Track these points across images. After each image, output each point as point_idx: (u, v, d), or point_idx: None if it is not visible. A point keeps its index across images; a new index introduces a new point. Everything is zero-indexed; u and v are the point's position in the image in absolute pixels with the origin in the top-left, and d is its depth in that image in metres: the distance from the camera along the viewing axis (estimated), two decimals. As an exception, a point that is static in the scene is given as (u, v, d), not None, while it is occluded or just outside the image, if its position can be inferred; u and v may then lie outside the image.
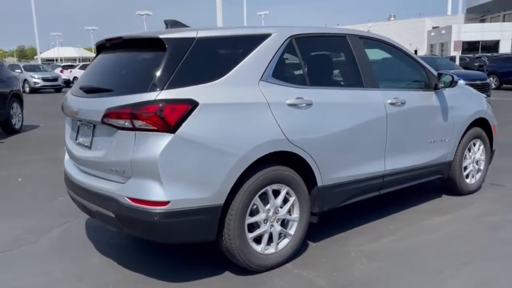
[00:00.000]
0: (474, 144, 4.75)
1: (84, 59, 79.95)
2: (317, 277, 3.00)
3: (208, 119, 2.73)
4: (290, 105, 3.08)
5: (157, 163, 2.59)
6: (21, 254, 3.46)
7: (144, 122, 2.61)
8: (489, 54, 28.86)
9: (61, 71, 29.76)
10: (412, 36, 57.28)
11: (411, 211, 4.31)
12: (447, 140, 4.35)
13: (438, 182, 4.82)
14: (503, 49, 42.35)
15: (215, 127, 2.75)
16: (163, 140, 2.61)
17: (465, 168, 4.68)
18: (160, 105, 2.61)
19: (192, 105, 2.67)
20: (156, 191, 2.63)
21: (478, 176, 4.86)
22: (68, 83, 27.89)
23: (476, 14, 52.67)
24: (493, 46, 44.16)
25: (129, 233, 2.92)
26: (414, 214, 4.22)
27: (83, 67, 28.98)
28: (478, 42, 44.06)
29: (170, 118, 2.61)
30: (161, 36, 2.79)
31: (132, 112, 2.63)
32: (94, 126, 3.02)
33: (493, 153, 5.07)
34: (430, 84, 4.24)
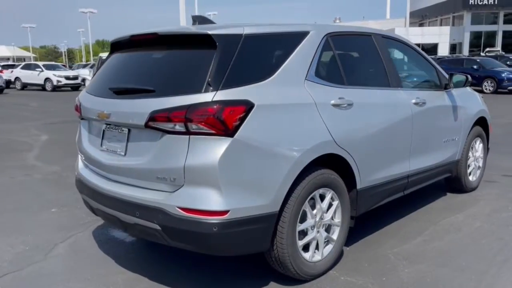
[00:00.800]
0: (475, 143, 4.88)
1: (19, 59, 75.48)
2: (368, 283, 2.90)
3: (264, 121, 2.55)
4: (334, 105, 2.97)
5: (217, 169, 2.38)
6: (35, 275, 3.08)
7: (201, 125, 2.39)
8: (432, 56, 30.32)
9: (1, 71, 27.79)
10: (356, 38, 58.93)
11: (424, 210, 4.33)
12: (456, 139, 4.43)
13: (441, 181, 4.89)
14: (441, 51, 44.78)
15: (270, 130, 2.58)
16: (222, 145, 2.40)
17: (468, 166, 4.79)
18: (219, 106, 2.39)
19: (248, 106, 2.48)
20: (214, 200, 2.41)
21: (478, 173, 4.99)
22: (8, 84, 26.11)
23: (415, 19, 55.23)
24: (431, 48, 46.56)
25: (175, 246, 2.66)
26: (430, 213, 4.24)
27: (25, 67, 27.26)
28: (419, 45, 46.24)
29: (229, 121, 2.41)
30: (210, 32, 2.57)
31: (187, 115, 2.39)
32: (129, 130, 2.74)
33: (488, 151, 5.24)
34: (441, 83, 4.29)
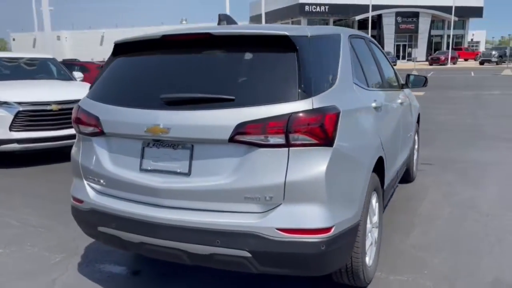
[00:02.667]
0: (415, 136, 5.40)
1: None
2: (418, 279, 2.99)
3: (347, 127, 2.41)
4: (374, 108, 2.98)
5: (324, 182, 2.17)
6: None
7: (305, 136, 2.16)
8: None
9: None
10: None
11: (392, 200, 4.62)
12: (411, 134, 4.84)
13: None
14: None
15: (351, 136, 2.47)
16: (325, 155, 2.20)
17: (411, 158, 5.29)
18: (320, 114, 2.19)
19: (337, 112, 2.33)
20: (320, 216, 2.20)
21: (415, 163, 5.55)
22: None
23: (257, 23, 58.62)
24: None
25: (263, 272, 2.33)
26: (399, 202, 4.55)
27: None
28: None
29: (329, 129, 2.22)
30: (288, 34, 2.32)
31: (288, 125, 2.14)
32: (192, 146, 2.32)
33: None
34: (398, 83, 4.64)
